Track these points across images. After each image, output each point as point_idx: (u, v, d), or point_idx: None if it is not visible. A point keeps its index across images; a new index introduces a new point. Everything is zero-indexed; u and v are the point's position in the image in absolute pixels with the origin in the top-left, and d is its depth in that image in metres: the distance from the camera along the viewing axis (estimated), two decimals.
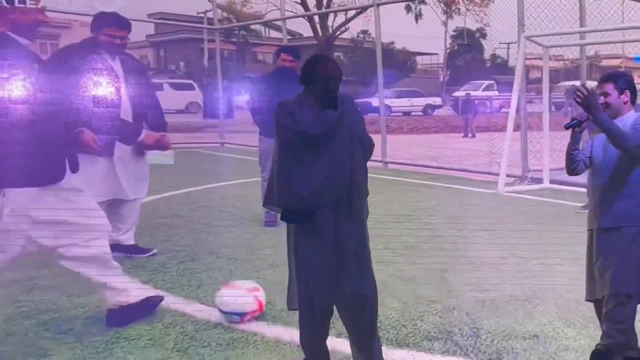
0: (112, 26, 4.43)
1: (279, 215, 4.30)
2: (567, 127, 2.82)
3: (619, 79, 2.81)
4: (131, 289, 3.66)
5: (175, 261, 4.81)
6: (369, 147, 2.82)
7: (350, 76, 19.96)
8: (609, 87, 2.77)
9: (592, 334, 3.19)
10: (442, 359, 3.00)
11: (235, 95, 17.69)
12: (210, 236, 5.68)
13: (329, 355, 2.90)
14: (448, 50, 22.39)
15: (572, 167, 2.88)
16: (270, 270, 4.59)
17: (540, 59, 8.05)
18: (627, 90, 2.78)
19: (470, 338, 3.21)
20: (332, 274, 2.71)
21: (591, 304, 2.95)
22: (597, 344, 2.78)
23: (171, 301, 3.95)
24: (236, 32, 27.45)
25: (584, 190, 6.63)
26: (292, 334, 3.40)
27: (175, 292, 4.15)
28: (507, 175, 7.33)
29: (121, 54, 4.52)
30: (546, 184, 7.33)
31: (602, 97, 2.77)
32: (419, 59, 26.78)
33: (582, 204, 5.93)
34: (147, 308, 3.69)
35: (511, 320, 3.41)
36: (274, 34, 32.60)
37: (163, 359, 3.20)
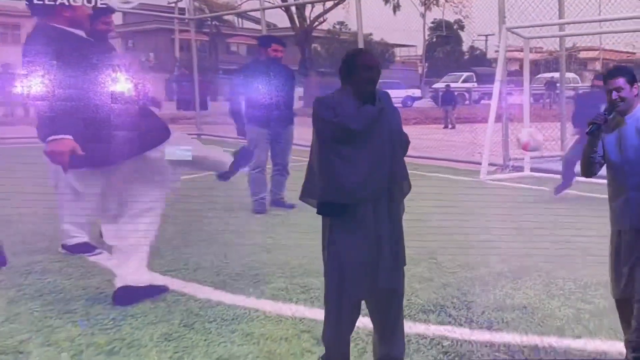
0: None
1: (267, 203, 4.55)
2: (589, 134, 2.76)
3: (628, 72, 2.80)
4: (143, 271, 3.92)
5: (169, 247, 5.02)
6: (405, 143, 2.88)
7: (327, 68, 20.22)
8: (621, 82, 2.76)
9: (574, 305, 3.55)
10: (437, 329, 3.30)
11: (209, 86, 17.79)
12: (201, 224, 5.90)
13: (349, 355, 2.94)
14: (427, 42, 22.86)
15: (591, 169, 2.84)
16: (265, 253, 4.85)
17: (519, 50, 8.42)
18: (636, 83, 2.78)
19: (462, 310, 3.53)
20: (365, 269, 2.75)
21: (572, 280, 3.24)
22: (630, 339, 2.76)
23: (169, 282, 4.19)
24: (208, 22, 27.47)
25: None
26: (292, 309, 3.69)
27: (173, 274, 4.37)
28: (489, 164, 7.70)
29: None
30: (527, 172, 7.72)
31: (614, 93, 2.76)
32: (397, 50, 27.22)
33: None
34: (151, 294, 3.92)
35: (500, 294, 3.75)
36: (247, 24, 32.66)
37: (171, 333, 3.44)
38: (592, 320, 3.36)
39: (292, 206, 6.31)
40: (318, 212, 2.80)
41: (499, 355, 3.01)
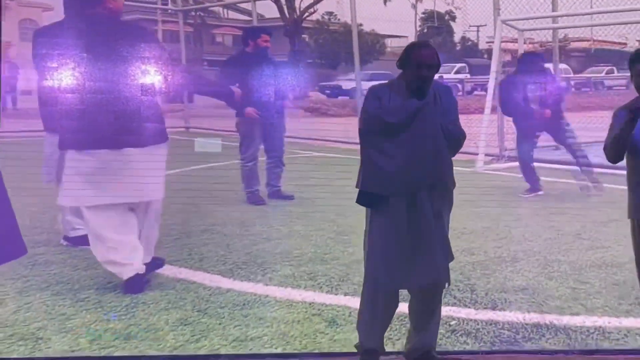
0: None
1: (266, 196, 4.68)
2: (631, 121, 2.75)
3: None
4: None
5: (171, 238, 5.22)
6: (455, 139, 2.85)
7: (317, 59, 20.43)
8: None
9: (571, 285, 3.83)
10: (444, 309, 3.52)
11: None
12: (200, 215, 6.10)
13: (383, 344, 3.00)
14: (418, 33, 23.06)
15: (621, 155, 2.83)
16: (266, 243, 5.06)
17: (511, 41, 8.69)
18: None
19: (466, 292, 3.78)
20: (404, 262, 2.80)
21: (567, 262, 3.47)
22: None
23: (177, 272, 4.39)
24: (193, 13, 27.46)
25: (556, 167, 7.35)
26: (302, 295, 3.92)
27: (179, 264, 4.56)
28: (485, 155, 7.98)
29: None
30: None
31: None
32: (387, 41, 27.45)
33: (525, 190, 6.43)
34: (153, 268, 4.17)
35: (501, 277, 4.01)
36: (233, 14, 32.67)
37: (184, 318, 3.65)
38: (588, 298, 3.63)
39: (290, 197, 6.51)
40: (356, 201, 2.87)
41: (503, 332, 3.27)
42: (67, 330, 3.60)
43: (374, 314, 2.91)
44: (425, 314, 2.94)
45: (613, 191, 5.79)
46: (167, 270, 4.36)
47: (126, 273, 4.00)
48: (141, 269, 4.02)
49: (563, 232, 4.82)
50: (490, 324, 3.35)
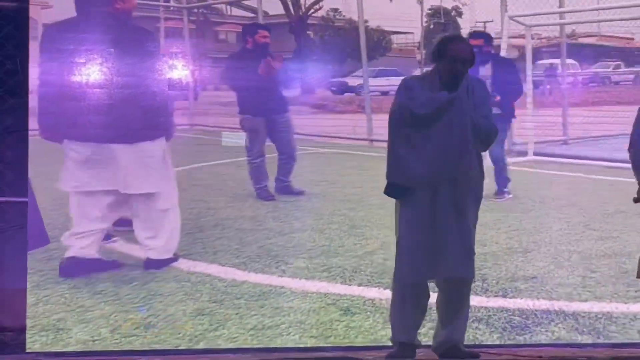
0: None
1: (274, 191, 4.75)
2: None
3: None
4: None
5: (183, 232, 5.35)
6: (485, 134, 2.85)
7: (322, 55, 20.50)
8: None
9: (581, 274, 3.97)
10: None
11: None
12: (211, 211, 6.22)
13: (417, 337, 3.03)
14: (424, 29, 23.08)
15: None
16: (279, 237, 5.18)
17: (516, 37, 8.79)
18: None
19: (478, 281, 3.89)
20: (427, 254, 2.83)
21: (577, 252, 3.59)
22: None
23: (191, 265, 4.52)
24: (195, 10, 27.62)
25: (565, 160, 7.47)
26: (316, 286, 4.06)
27: (193, 257, 4.69)
28: None
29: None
30: (531, 156, 8.12)
31: None
32: (394, 38, 27.48)
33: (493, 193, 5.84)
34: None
35: (512, 267, 4.14)
36: (236, 11, 32.75)
37: (202, 309, 3.80)
38: (597, 286, 3.78)
39: (301, 192, 6.61)
40: (384, 192, 2.91)
41: (514, 318, 3.41)
42: (87, 321, 3.75)
43: (404, 307, 2.94)
44: (451, 309, 2.95)
45: (620, 184, 5.92)
46: (181, 264, 4.48)
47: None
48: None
49: (572, 223, 4.94)
50: (502, 311, 3.49)
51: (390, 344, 3.08)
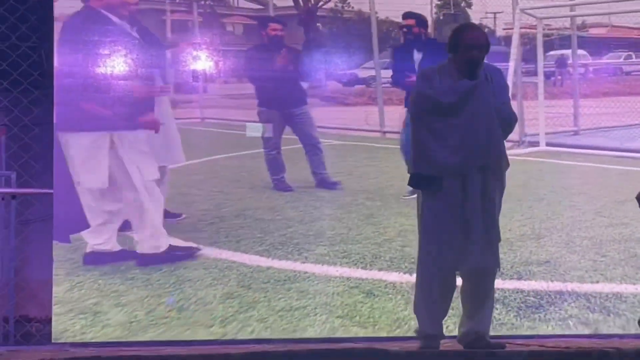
0: None
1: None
2: None
3: None
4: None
5: (205, 223, 5.56)
6: (507, 121, 2.91)
7: (331, 47, 20.67)
8: None
9: (592, 258, 4.21)
10: None
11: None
12: (229, 202, 6.42)
13: (442, 329, 3.04)
14: (434, 20, 23.22)
15: None
16: (299, 225, 5.41)
17: (527, 28, 8.96)
18: None
19: None
20: (453, 243, 2.84)
21: (588, 238, 3.77)
22: None
23: (217, 253, 4.76)
24: (203, 2, 27.73)
25: (577, 151, 7.67)
26: (338, 271, 4.29)
27: (217, 246, 4.92)
28: (507, 141, 8.29)
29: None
30: (542, 146, 8.33)
31: None
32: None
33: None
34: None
35: (525, 252, 4.36)
36: (243, 3, 32.83)
37: (231, 292, 4.05)
38: (607, 269, 4.02)
39: (335, 184, 6.64)
40: (408, 184, 2.95)
41: (529, 298, 3.66)
42: (123, 305, 4.00)
43: (431, 298, 2.94)
44: (477, 299, 2.96)
45: (630, 173, 6.13)
46: (207, 252, 4.71)
47: None
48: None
49: (584, 211, 5.16)
50: (517, 292, 3.74)
51: (414, 335, 3.14)
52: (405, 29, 6.15)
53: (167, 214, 5.44)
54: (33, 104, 4.31)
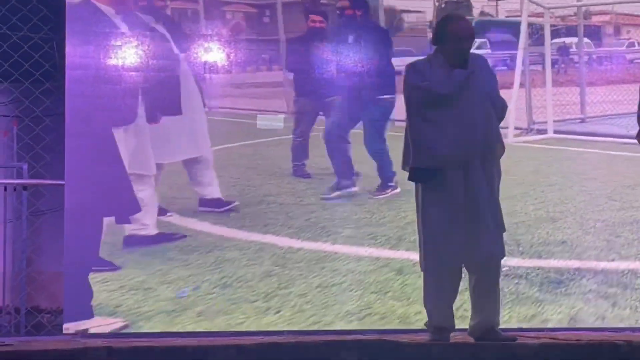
0: None
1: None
2: None
3: None
4: None
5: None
6: (500, 108, 2.97)
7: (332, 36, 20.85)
8: None
9: (606, 238, 4.53)
10: None
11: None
12: (249, 189, 6.72)
13: (453, 321, 3.06)
14: (436, 9, 23.36)
15: None
16: (323, 210, 5.68)
17: (534, 16, 9.24)
18: None
19: (512, 246, 4.44)
20: (460, 235, 2.86)
21: (601, 220, 4.08)
22: None
23: (247, 235, 5.05)
24: None
25: (585, 138, 8.00)
26: (367, 251, 4.57)
27: (246, 229, 5.22)
28: (515, 128, 8.62)
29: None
30: (550, 134, 8.65)
31: None
32: (404, 17, 27.64)
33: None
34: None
35: (542, 234, 4.67)
36: None
37: (268, 271, 4.35)
38: (622, 248, 4.36)
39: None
40: (409, 178, 2.97)
41: (550, 274, 4.00)
42: (168, 282, 4.31)
43: (441, 291, 2.99)
44: (484, 290, 2.99)
45: (635, 159, 6.45)
46: (237, 234, 4.97)
47: None
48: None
49: (595, 195, 5.49)
50: (538, 269, 4.07)
51: (424, 327, 3.20)
52: (338, 11, 5.94)
53: (221, 203, 5.47)
54: (44, 95, 4.37)
